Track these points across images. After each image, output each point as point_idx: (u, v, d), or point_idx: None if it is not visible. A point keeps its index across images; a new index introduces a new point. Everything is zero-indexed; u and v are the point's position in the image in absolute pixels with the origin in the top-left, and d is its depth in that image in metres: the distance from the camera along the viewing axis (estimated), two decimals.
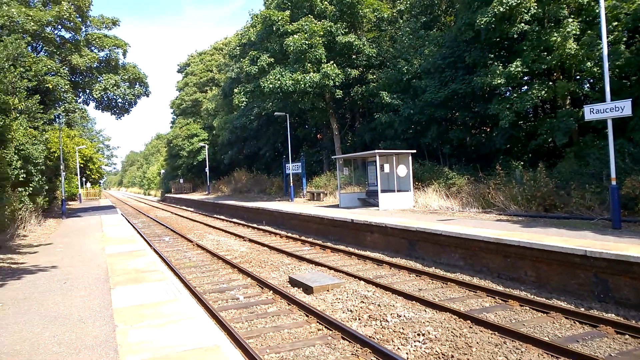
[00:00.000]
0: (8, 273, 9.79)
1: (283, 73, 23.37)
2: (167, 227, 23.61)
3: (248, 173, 42.41)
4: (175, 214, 33.72)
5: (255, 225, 22.14)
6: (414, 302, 8.60)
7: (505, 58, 18.78)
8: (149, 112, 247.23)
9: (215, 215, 29.62)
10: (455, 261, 11.56)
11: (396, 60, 23.64)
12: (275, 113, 27.91)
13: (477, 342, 6.58)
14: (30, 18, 21.04)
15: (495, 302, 8.60)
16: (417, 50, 22.69)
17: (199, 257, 14.40)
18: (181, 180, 56.93)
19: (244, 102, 27.51)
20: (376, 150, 19.16)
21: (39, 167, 18.03)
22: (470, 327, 7.20)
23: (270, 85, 23.27)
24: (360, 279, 10.47)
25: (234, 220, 25.53)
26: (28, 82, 19.25)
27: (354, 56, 26.01)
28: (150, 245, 15.95)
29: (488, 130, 21.77)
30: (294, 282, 10.31)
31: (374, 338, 6.91)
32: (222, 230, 21.02)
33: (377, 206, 19.10)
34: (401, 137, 24.22)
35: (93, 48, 26.60)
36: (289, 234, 18.27)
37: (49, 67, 22.25)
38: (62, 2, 22.82)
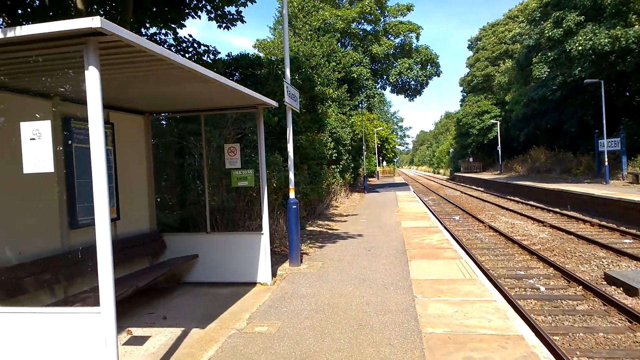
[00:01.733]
0: (326, 237, 11.53)
1: (596, 31, 19.57)
2: (456, 205, 23.58)
3: (547, 151, 37.87)
4: (465, 193, 33.44)
5: (557, 209, 19.64)
6: None
7: None
8: (438, 91, 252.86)
9: (508, 197, 27.86)
10: None
11: None
12: (585, 80, 23.71)
13: None
14: (339, 17, 24.24)
15: None
16: None
17: (491, 239, 13.70)
18: (470, 159, 56.16)
19: (545, 72, 24.48)
20: None
21: (346, 148, 20.72)
22: None
23: (579, 48, 19.89)
24: None
25: (530, 202, 23.36)
26: (338, 74, 22.15)
27: None
28: (441, 223, 16.13)
29: None
30: (611, 280, 8.55)
31: None
32: (517, 212, 19.50)
33: None
34: None
35: (390, 36, 28.71)
36: (603, 223, 15.38)
37: (354, 59, 25.18)
38: None
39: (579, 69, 24.06)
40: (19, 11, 8.64)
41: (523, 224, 16.25)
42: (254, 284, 7.04)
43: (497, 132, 45.81)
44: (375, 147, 47.21)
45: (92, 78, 3.16)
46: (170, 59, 3.96)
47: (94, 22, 2.92)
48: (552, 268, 9.74)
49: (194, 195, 9.27)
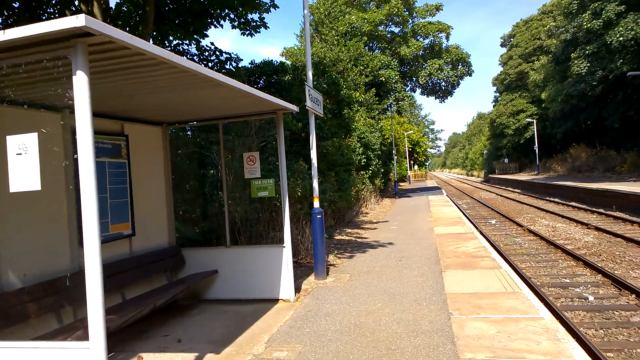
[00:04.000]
0: (355, 246, 11.04)
1: (638, 20, 18.37)
2: (492, 209, 22.61)
3: (588, 149, 35.97)
4: (501, 195, 32.20)
5: (601, 210, 18.46)
6: None
7: None
8: (471, 92, 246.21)
9: (547, 198, 26.59)
10: None
11: None
12: (629, 73, 22.25)
13: None
14: (365, 20, 23.75)
15: None
16: None
17: (531, 244, 12.88)
18: (506, 160, 54.43)
19: (585, 68, 23.15)
20: None
21: (376, 152, 20.15)
22: None
23: (620, 38, 18.69)
24: None
25: (572, 204, 22.12)
26: (366, 78, 21.66)
27: None
28: (477, 228, 15.37)
29: None
30: None
31: None
32: (558, 214, 18.43)
33: None
34: None
35: (418, 37, 28.00)
36: None
37: (382, 61, 24.61)
38: (391, 0, 24.79)
39: (621, 61, 22.57)
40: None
41: (565, 227, 15.29)
42: (276, 300, 6.64)
43: (533, 132, 44.08)
44: (406, 151, 46.27)
45: (80, 84, 2.85)
46: (173, 61, 3.64)
47: (78, 20, 2.61)
48: (600, 275, 8.97)
49: (217, 206, 9.00)
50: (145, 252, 6.48)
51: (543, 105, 41.70)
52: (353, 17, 22.96)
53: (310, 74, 7.98)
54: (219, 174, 9.19)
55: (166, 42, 11.10)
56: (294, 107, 6.54)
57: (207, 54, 10.68)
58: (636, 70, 21.93)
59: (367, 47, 26.96)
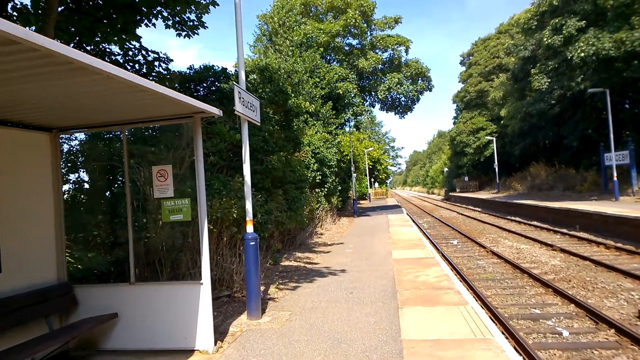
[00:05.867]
0: (302, 274, 9.71)
1: (599, 35, 18.19)
2: (453, 228, 21.84)
3: (548, 167, 36.15)
4: (461, 214, 31.74)
5: (564, 230, 17.92)
6: None
7: None
8: (432, 110, 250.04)
9: (508, 217, 26.16)
10: None
11: None
12: (589, 90, 22.08)
13: None
14: (322, 31, 22.86)
15: None
16: None
17: (495, 267, 11.97)
18: (466, 178, 54.61)
19: (546, 83, 22.91)
20: None
21: (332, 169, 18.99)
22: None
23: (582, 54, 18.43)
24: None
25: (534, 223, 21.64)
26: (322, 90, 20.65)
27: None
28: (439, 250, 14.41)
29: None
30: None
31: None
32: (521, 235, 17.76)
33: None
34: None
35: (377, 50, 27.32)
36: (619, 245, 13.68)
37: (339, 74, 23.69)
38: (349, 10, 24.02)
39: (582, 76, 22.47)
40: None
41: (530, 248, 14.52)
42: (191, 351, 5.25)
43: (493, 150, 44.28)
44: (366, 168, 45.54)
45: None
46: None
47: None
48: (573, 304, 8.08)
49: (135, 231, 7.51)
50: (19, 293, 4.99)
51: (502, 122, 41.99)
52: (309, 27, 22.00)
53: (242, 73, 6.74)
54: (140, 190, 7.76)
55: (93, 43, 9.62)
56: (214, 110, 5.27)
57: (131, 53, 9.24)
58: (596, 87, 21.84)
59: (323, 59, 26.04)
